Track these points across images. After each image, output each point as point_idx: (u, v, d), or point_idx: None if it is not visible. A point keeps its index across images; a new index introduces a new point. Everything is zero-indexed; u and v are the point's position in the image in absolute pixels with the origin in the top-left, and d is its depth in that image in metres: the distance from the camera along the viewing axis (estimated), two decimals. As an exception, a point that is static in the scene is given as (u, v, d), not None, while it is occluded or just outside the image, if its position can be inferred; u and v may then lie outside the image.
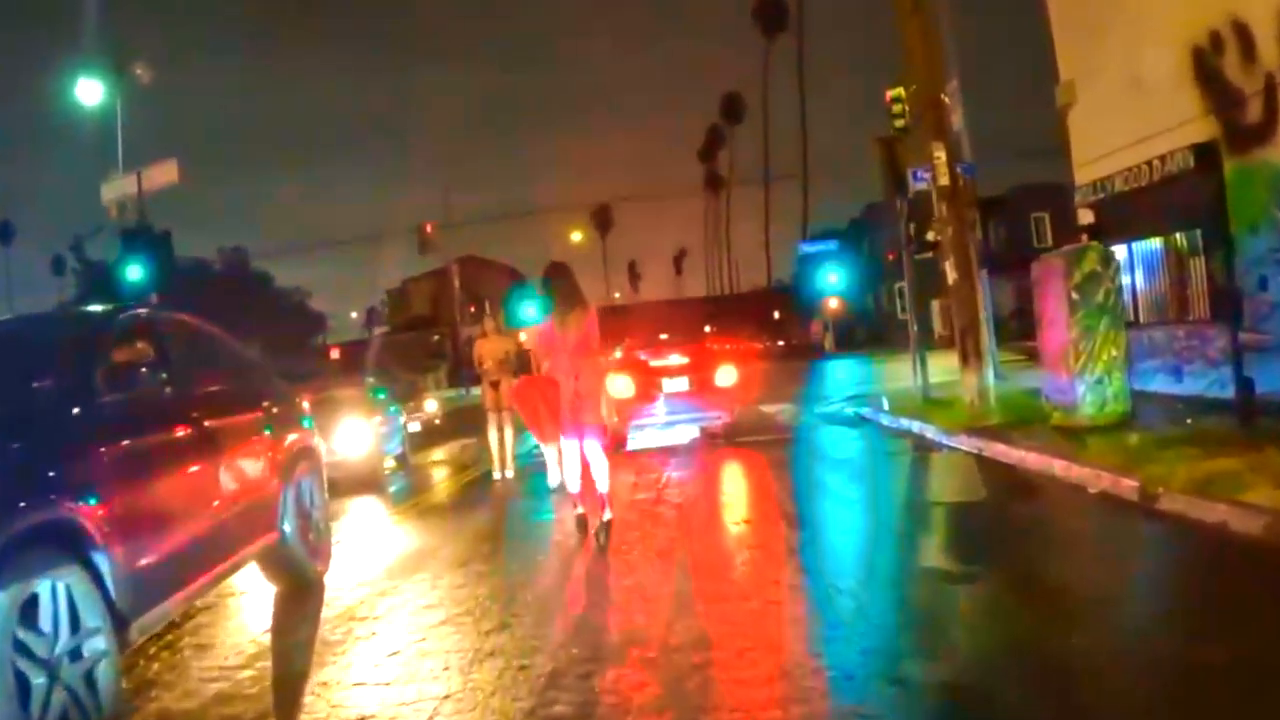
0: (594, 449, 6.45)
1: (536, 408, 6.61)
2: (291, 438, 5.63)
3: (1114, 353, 9.29)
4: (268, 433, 5.32)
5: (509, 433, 10.04)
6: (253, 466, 4.98)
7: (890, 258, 45.72)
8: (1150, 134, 11.29)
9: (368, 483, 10.62)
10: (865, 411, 14.22)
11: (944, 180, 10.50)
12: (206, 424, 4.53)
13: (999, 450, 8.88)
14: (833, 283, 43.90)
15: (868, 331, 52.30)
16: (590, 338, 6.71)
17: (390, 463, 12.56)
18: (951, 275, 10.55)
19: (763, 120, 76.67)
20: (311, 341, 70.34)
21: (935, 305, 44.41)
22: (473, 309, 46.08)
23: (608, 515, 6.37)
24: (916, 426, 11.43)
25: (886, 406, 13.43)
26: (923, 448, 10.18)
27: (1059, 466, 7.58)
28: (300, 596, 5.47)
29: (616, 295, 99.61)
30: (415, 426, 16.98)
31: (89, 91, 18.66)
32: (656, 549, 5.94)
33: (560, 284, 6.79)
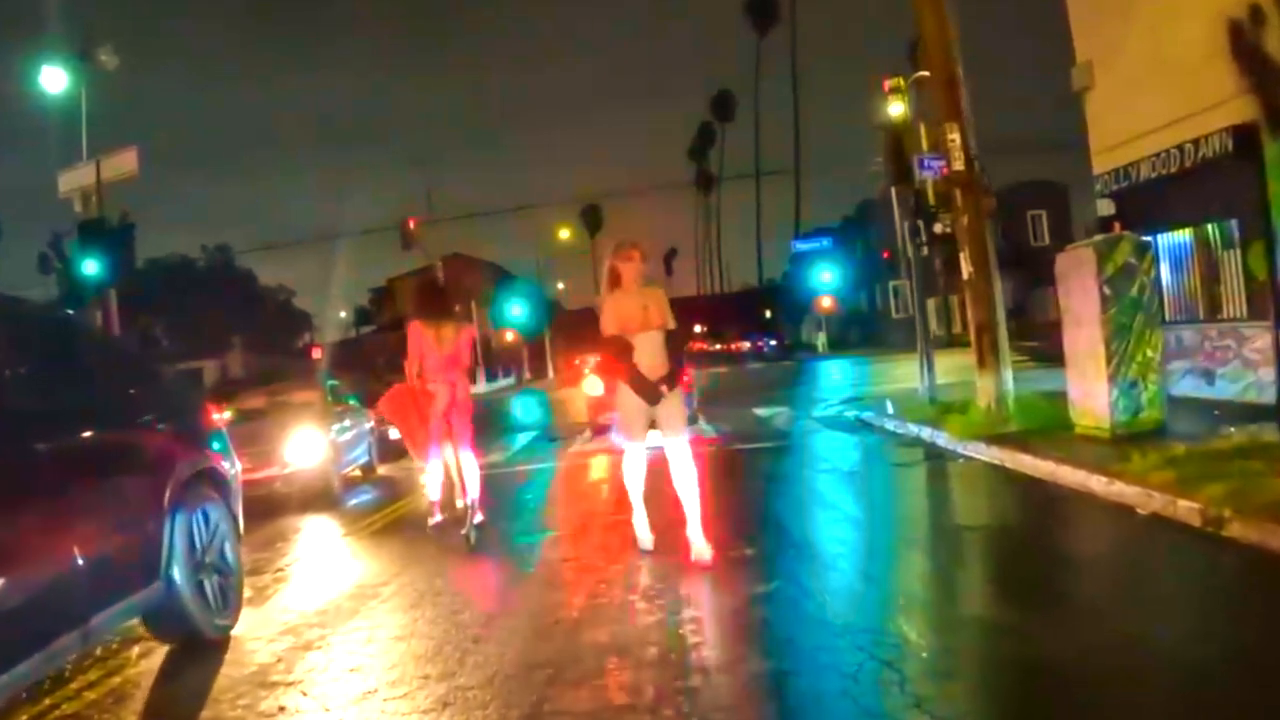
0: (468, 457, 7.04)
1: (410, 418, 6.85)
2: (187, 462, 4.55)
3: (1149, 354, 8.39)
4: (147, 457, 4.26)
5: (468, 455, 7.36)
6: (119, 501, 3.93)
7: (886, 256, 44.83)
8: (1180, 116, 10.40)
9: (322, 498, 9.61)
10: (867, 416, 13.29)
11: (959, 165, 9.58)
12: (38, 447, 3.48)
13: (1025, 462, 7.97)
14: (826, 281, 43.20)
15: (862, 331, 51.44)
16: (464, 351, 7.05)
17: (357, 474, 11.57)
18: (966, 269, 9.63)
19: (754, 117, 76.00)
20: (298, 341, 69.07)
21: (930, 305, 43.72)
22: (457, 308, 45.05)
23: (479, 519, 6.91)
24: (926, 433, 10.52)
25: (891, 410, 12.51)
26: (936, 457, 9.26)
27: (1098, 482, 6.67)
28: (198, 659, 4.45)
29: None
30: (398, 433, 15.82)
31: (53, 79, 17.72)
32: (640, 590, 4.98)
33: (437, 296, 7.18)
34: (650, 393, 5.32)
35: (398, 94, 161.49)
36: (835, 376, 27.42)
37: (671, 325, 5.53)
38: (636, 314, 5.39)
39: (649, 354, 5.38)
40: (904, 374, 22.09)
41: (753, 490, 8.37)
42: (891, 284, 46.85)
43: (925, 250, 12.33)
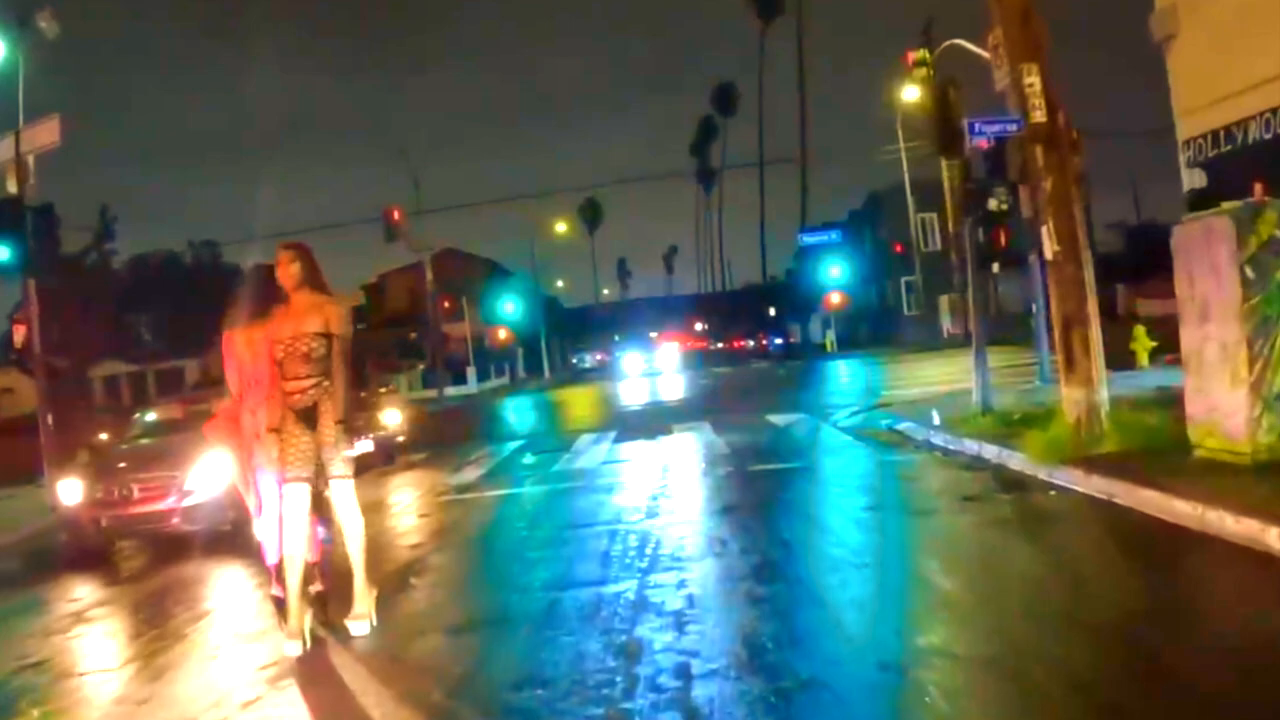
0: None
1: (241, 451, 5.27)
2: None
3: (1300, 356, 6.42)
4: None
5: (356, 524, 4.99)
6: None
7: (898, 250, 42.83)
8: (1303, 61, 8.45)
9: (234, 536, 7.53)
10: (905, 427, 11.26)
11: (1039, 116, 7.57)
12: None
13: (1148, 499, 5.98)
14: (835, 276, 41.12)
15: (871, 329, 49.36)
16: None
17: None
18: (1050, 247, 7.62)
19: (757, 109, 74.13)
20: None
21: (944, 301, 41.68)
22: (448, 304, 43.16)
23: (316, 586, 5.23)
24: (991, 452, 8.51)
25: (938, 421, 10.49)
26: (1015, 487, 7.23)
27: (1279, 537, 4.69)
28: None
29: (605, 292, 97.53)
30: (366, 446, 13.72)
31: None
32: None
33: (250, 294, 5.45)
34: None
35: (395, 87, 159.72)
36: (848, 378, 25.34)
37: None
38: None
39: None
40: (928, 375, 20.09)
41: (784, 542, 6.26)
42: (904, 279, 44.81)
43: (980, 232, 10.36)
